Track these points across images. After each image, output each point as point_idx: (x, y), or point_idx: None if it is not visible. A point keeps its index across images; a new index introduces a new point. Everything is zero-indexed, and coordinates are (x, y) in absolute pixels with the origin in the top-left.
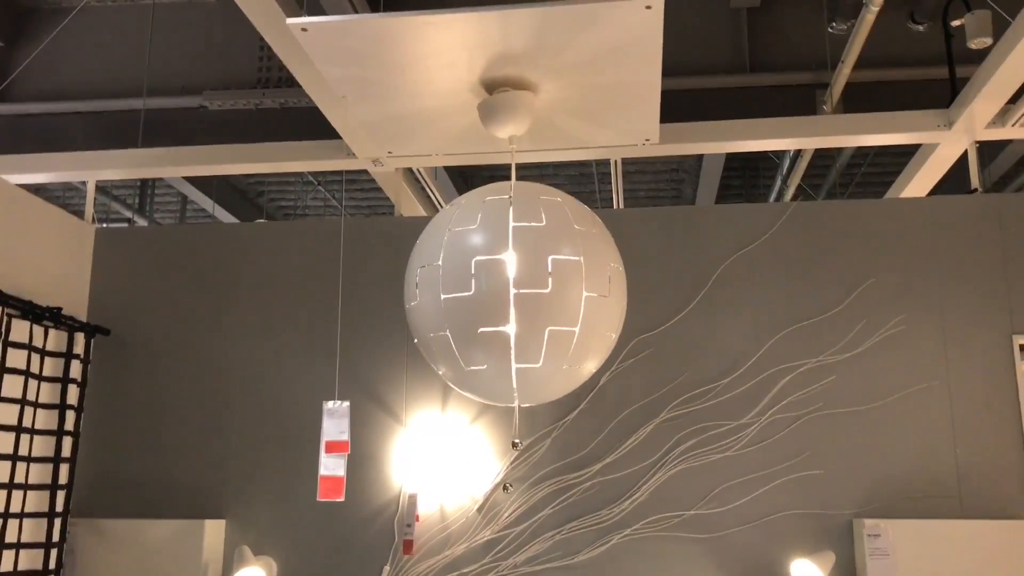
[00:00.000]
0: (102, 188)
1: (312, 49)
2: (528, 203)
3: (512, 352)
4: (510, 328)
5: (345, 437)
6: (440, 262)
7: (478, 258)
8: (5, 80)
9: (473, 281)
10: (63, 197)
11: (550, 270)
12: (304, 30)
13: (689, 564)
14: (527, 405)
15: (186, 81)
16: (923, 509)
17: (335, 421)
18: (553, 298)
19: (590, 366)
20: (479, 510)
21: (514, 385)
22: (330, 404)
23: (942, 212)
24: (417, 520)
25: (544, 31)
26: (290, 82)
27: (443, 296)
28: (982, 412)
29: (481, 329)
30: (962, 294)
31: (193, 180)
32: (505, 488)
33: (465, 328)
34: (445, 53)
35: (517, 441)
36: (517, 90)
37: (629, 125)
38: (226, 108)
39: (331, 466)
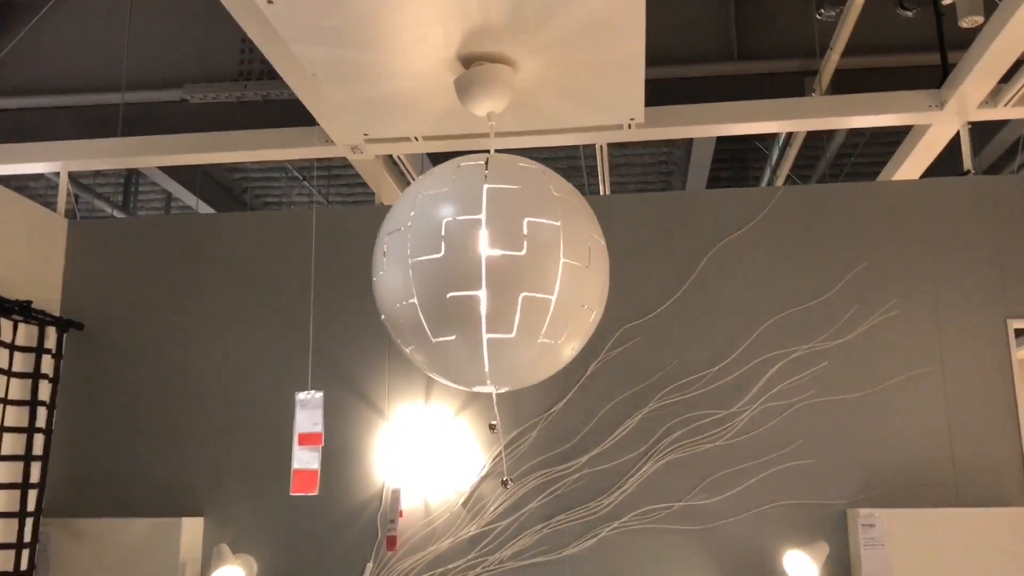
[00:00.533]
0: (85, 185)
1: (280, 24)
2: (505, 168)
3: (483, 320)
4: (481, 293)
5: (318, 429)
6: (409, 224)
7: (448, 219)
8: None
9: (443, 243)
10: (45, 195)
11: (525, 232)
12: (270, 2)
13: (680, 556)
14: (503, 390)
15: (167, 74)
16: (918, 498)
17: (308, 412)
18: (528, 262)
19: (569, 347)
20: (464, 504)
21: (485, 357)
22: (302, 395)
23: (935, 195)
24: (400, 515)
25: (523, 3)
26: (272, 74)
27: (411, 260)
28: (977, 398)
29: (451, 294)
30: (956, 278)
31: (177, 176)
32: (504, 484)
33: (433, 294)
34: (419, 27)
35: (495, 423)
36: (495, 63)
37: (613, 104)
38: (207, 101)
39: (304, 459)
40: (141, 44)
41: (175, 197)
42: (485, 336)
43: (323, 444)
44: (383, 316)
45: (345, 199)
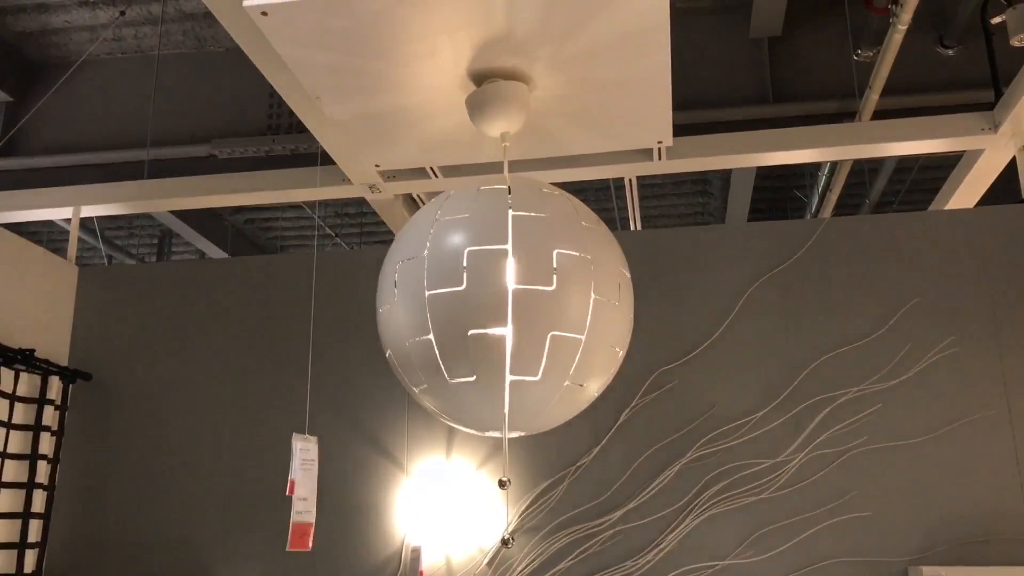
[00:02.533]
0: (119, 246)
1: (276, 37)
2: (529, 193)
3: (507, 361)
4: (507, 330)
5: (292, 476)
6: (426, 253)
7: (470, 248)
8: (8, 134)
9: (465, 275)
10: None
11: (555, 266)
12: (264, 14)
13: None
14: (516, 435)
15: (195, 129)
16: (988, 555)
17: (298, 458)
18: (558, 298)
19: (593, 388)
20: (489, 563)
21: (506, 401)
22: (298, 439)
23: (991, 224)
24: (421, 575)
25: (553, 13)
26: (300, 128)
27: (428, 292)
28: None
29: (472, 331)
30: (1018, 311)
31: (209, 234)
32: (505, 543)
33: (452, 330)
34: (427, 40)
35: (505, 480)
36: (508, 80)
37: (639, 127)
38: (235, 156)
39: (299, 509)
40: (169, 100)
41: (208, 256)
42: (508, 378)
43: (299, 493)
44: (389, 352)
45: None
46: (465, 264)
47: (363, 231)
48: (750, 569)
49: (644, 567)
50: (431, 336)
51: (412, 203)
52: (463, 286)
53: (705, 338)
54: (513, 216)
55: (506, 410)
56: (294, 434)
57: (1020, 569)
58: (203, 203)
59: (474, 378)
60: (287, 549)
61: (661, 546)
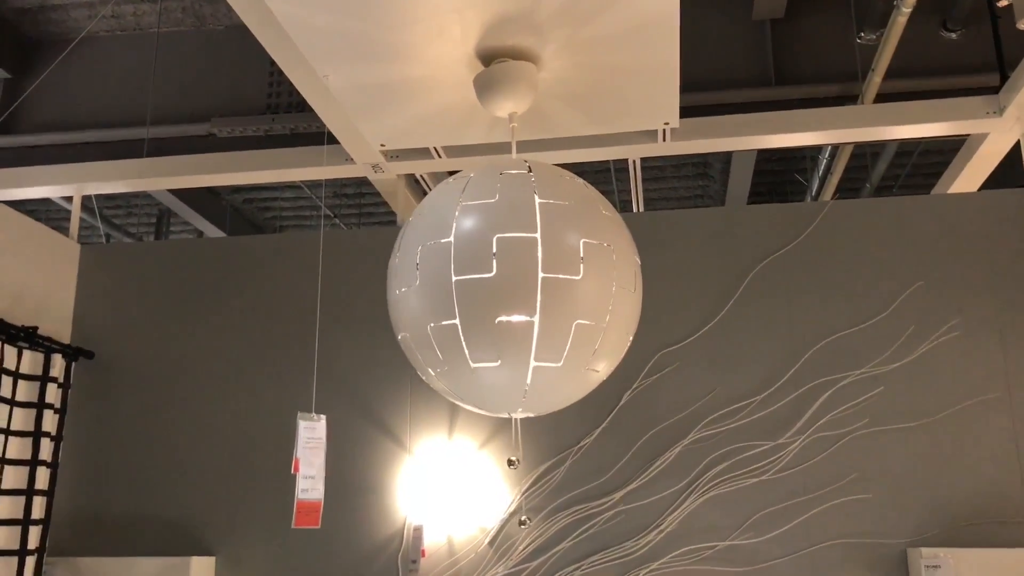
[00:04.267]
0: (117, 225)
1: (284, 16)
2: (551, 180)
3: (533, 348)
4: (531, 317)
5: (296, 454)
6: (451, 239)
7: (500, 235)
8: (8, 111)
9: (495, 262)
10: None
11: (581, 254)
12: None
13: None
14: (526, 415)
15: (194, 108)
16: (988, 536)
17: (302, 436)
18: (584, 287)
19: (604, 371)
20: (490, 543)
21: (527, 386)
22: (303, 418)
23: (995, 208)
24: (423, 555)
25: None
26: (299, 107)
27: (455, 277)
28: None
29: (500, 318)
30: (1021, 296)
31: (207, 214)
32: (522, 522)
33: (479, 316)
34: (435, 18)
35: (514, 459)
36: (517, 60)
37: (646, 109)
38: (235, 135)
39: (305, 488)
40: (169, 78)
41: (206, 236)
42: (532, 364)
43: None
44: (404, 335)
45: (373, 223)
46: (494, 251)
47: (362, 212)
48: (750, 550)
49: (645, 547)
50: (457, 321)
51: (415, 184)
52: (492, 273)
53: (707, 321)
54: (540, 203)
55: (525, 391)
56: (299, 413)
57: (1019, 551)
58: (205, 182)
59: (498, 363)
60: (293, 526)
61: (662, 527)
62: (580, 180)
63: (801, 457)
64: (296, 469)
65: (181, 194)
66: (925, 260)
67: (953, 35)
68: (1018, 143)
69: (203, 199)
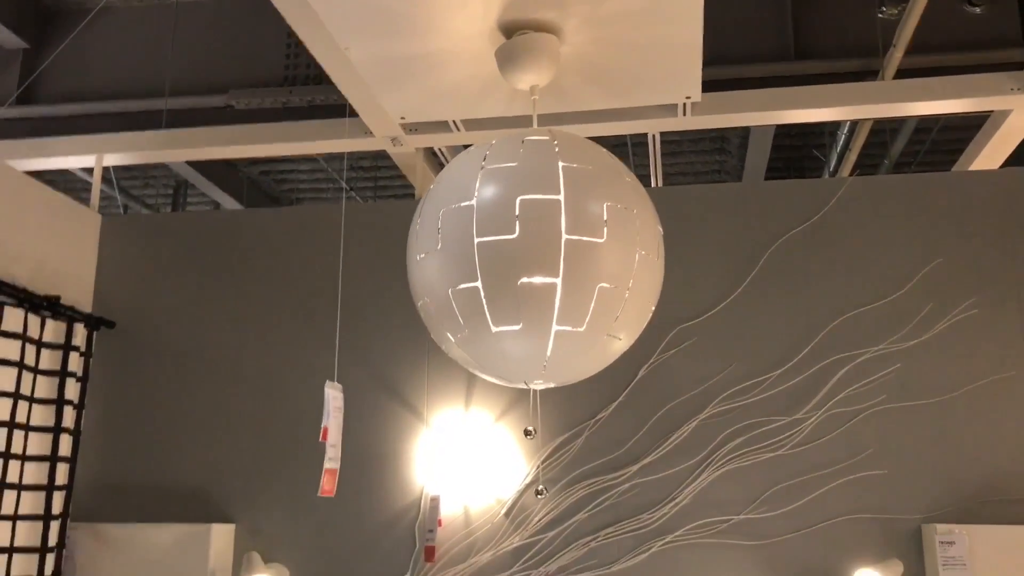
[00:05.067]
0: (135, 196)
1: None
2: (574, 145)
3: (555, 310)
4: (555, 280)
5: (324, 423)
6: (473, 202)
7: (523, 197)
8: (27, 82)
9: (517, 224)
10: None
11: (605, 218)
12: None
13: (738, 573)
14: (545, 386)
15: (212, 79)
16: (1003, 513)
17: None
18: (607, 250)
19: (625, 341)
20: (507, 514)
21: (548, 351)
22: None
23: (1017, 185)
24: (440, 525)
25: None
26: (317, 79)
27: (477, 239)
28: None
29: (523, 280)
30: None
31: (224, 186)
32: (538, 492)
33: (501, 278)
34: None
35: (531, 429)
36: (539, 32)
37: (667, 83)
38: (253, 107)
39: (332, 456)
40: (186, 49)
41: (223, 207)
42: (555, 328)
43: (330, 440)
44: (424, 300)
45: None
46: (517, 213)
47: (377, 184)
48: (764, 524)
49: (659, 520)
50: (479, 284)
51: (433, 157)
52: (515, 234)
53: (725, 296)
54: (563, 167)
55: (547, 356)
56: (327, 382)
57: None
58: (224, 154)
59: (519, 327)
60: (319, 495)
61: (677, 500)
62: (603, 148)
63: (817, 433)
64: (324, 437)
65: (198, 165)
66: (944, 237)
67: (977, 9)
68: None
69: (220, 171)
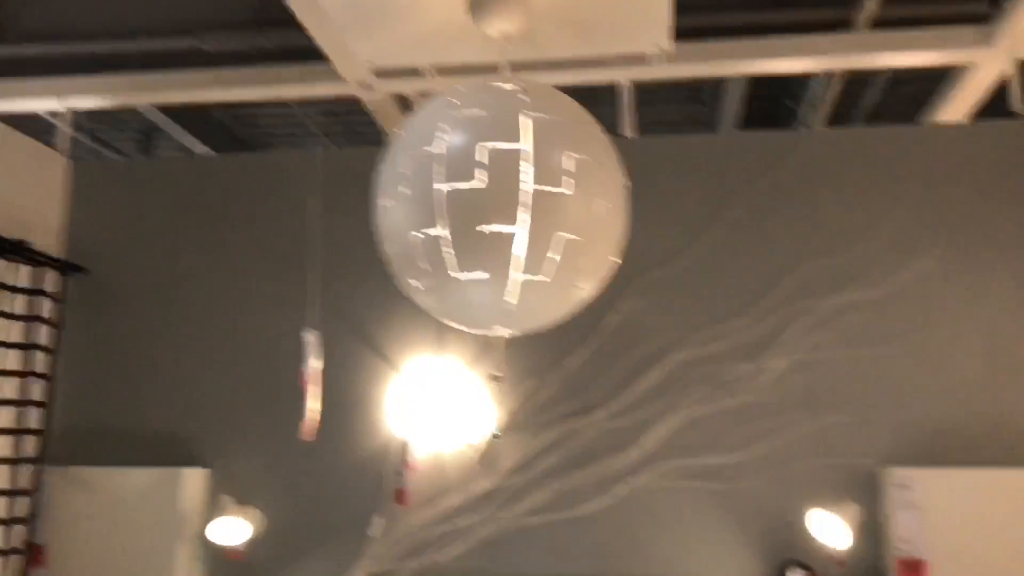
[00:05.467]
0: (104, 141)
1: None
2: (541, 95)
3: (518, 259)
4: (521, 228)
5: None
6: (440, 149)
7: (488, 145)
8: None
9: (482, 172)
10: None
11: (568, 168)
12: None
13: (701, 515)
14: (509, 332)
15: (180, 21)
16: (957, 457)
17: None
18: (570, 200)
19: (589, 289)
20: (477, 458)
21: (511, 298)
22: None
23: (978, 139)
24: (411, 469)
25: None
26: (287, 22)
27: (443, 187)
28: (1021, 351)
29: (486, 227)
30: (998, 225)
31: (196, 132)
32: (495, 436)
33: (466, 226)
34: None
35: (498, 374)
36: None
37: (638, 30)
38: (222, 50)
39: (311, 402)
40: None
41: (192, 151)
42: (517, 276)
43: (311, 385)
44: (390, 246)
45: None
46: (482, 161)
47: (352, 131)
48: (726, 468)
49: (625, 463)
50: (443, 231)
51: (408, 106)
52: (480, 183)
53: (691, 243)
54: (530, 117)
55: (510, 303)
56: (305, 328)
57: (986, 471)
58: (194, 98)
59: (483, 275)
60: (303, 438)
61: (642, 445)
62: (571, 99)
63: (779, 379)
64: (304, 383)
65: (167, 108)
66: (906, 190)
67: None
68: (1007, 73)
69: (189, 114)
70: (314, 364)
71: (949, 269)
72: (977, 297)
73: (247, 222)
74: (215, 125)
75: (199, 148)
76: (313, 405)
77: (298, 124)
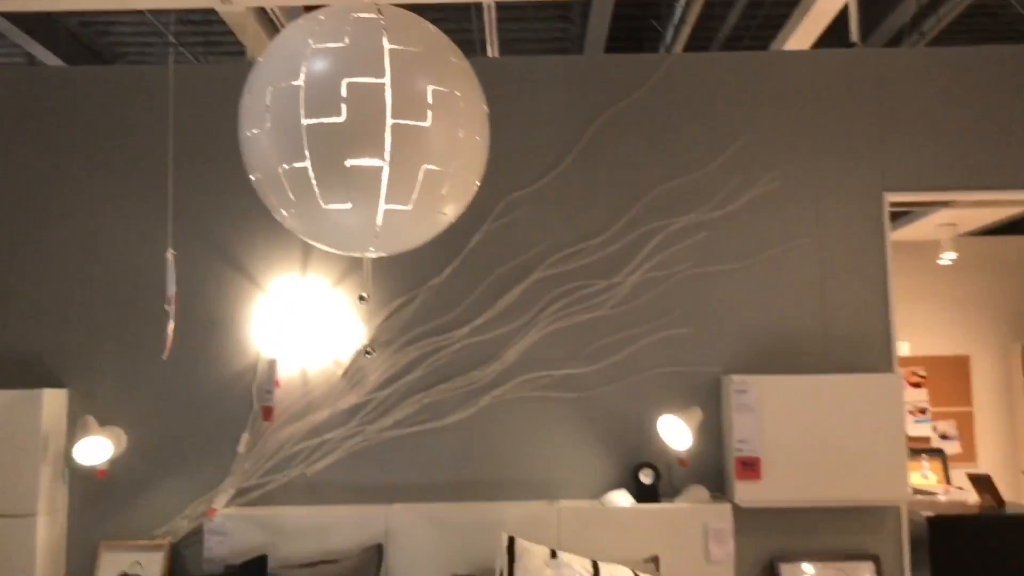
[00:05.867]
0: None
1: None
2: (402, 25)
3: (383, 190)
4: (384, 162)
5: (172, 289)
6: (301, 82)
7: (350, 80)
8: None
9: (344, 107)
10: None
11: (430, 101)
12: None
13: (560, 423)
14: (376, 255)
15: None
16: (790, 365)
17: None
18: (432, 133)
19: (452, 214)
20: (343, 375)
21: (378, 227)
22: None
23: (819, 66)
24: (277, 385)
25: None
26: None
27: (305, 121)
28: (850, 270)
29: (350, 162)
30: (836, 151)
31: (37, 36)
32: (367, 352)
33: (330, 160)
34: None
35: (364, 295)
36: None
37: None
38: None
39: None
40: None
41: (38, 60)
42: (382, 206)
43: (175, 306)
44: (257, 176)
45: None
46: (345, 96)
47: (208, 41)
48: (583, 378)
49: (488, 376)
50: (307, 164)
51: (268, 21)
52: (341, 117)
53: (552, 167)
54: (390, 50)
55: (376, 232)
56: (169, 250)
57: (813, 376)
58: (38, 5)
59: (349, 205)
60: (164, 357)
61: (504, 359)
62: (432, 26)
63: (632, 295)
64: (170, 303)
65: (9, 13)
66: (754, 115)
67: None
68: (849, 3)
69: (34, 19)
70: (174, 283)
71: (787, 190)
72: (811, 217)
73: (100, 137)
74: (63, 34)
75: (46, 57)
76: (173, 324)
77: (153, 32)
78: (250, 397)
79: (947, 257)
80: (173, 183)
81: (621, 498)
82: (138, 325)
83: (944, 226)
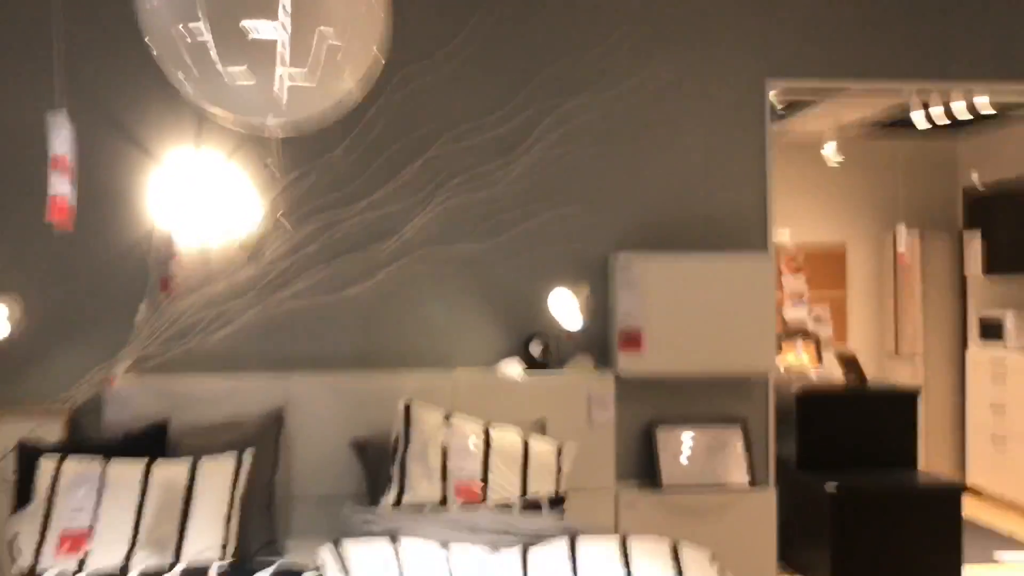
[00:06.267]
0: None
1: None
2: None
3: (280, 52)
4: (280, 23)
5: (64, 151)
6: None
7: None
8: None
9: None
10: None
11: None
12: None
13: (453, 297)
14: (275, 122)
15: None
16: (672, 243)
17: (58, 133)
18: None
19: (350, 83)
20: (241, 246)
21: (275, 88)
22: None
23: None
24: (175, 258)
25: None
26: None
27: None
28: (733, 154)
29: (245, 22)
30: (724, 38)
31: None
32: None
33: (226, 20)
34: None
35: (269, 162)
36: None
37: None
38: None
39: (58, 186)
40: None
41: None
42: (281, 71)
43: (72, 172)
44: (151, 38)
45: None
46: None
47: None
48: (478, 253)
49: (386, 250)
50: (202, 24)
51: None
52: None
53: (451, 39)
54: None
55: (278, 96)
56: (49, 112)
57: (693, 254)
58: None
59: (244, 67)
60: (47, 220)
61: (401, 234)
62: None
63: (527, 172)
64: (56, 166)
65: None
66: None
67: None
68: None
69: None
70: (61, 147)
71: (677, 74)
72: (700, 100)
73: None
74: None
75: None
76: (63, 190)
77: None
78: (148, 269)
79: (829, 148)
80: (61, 48)
81: (512, 367)
82: (28, 192)
83: (826, 118)
